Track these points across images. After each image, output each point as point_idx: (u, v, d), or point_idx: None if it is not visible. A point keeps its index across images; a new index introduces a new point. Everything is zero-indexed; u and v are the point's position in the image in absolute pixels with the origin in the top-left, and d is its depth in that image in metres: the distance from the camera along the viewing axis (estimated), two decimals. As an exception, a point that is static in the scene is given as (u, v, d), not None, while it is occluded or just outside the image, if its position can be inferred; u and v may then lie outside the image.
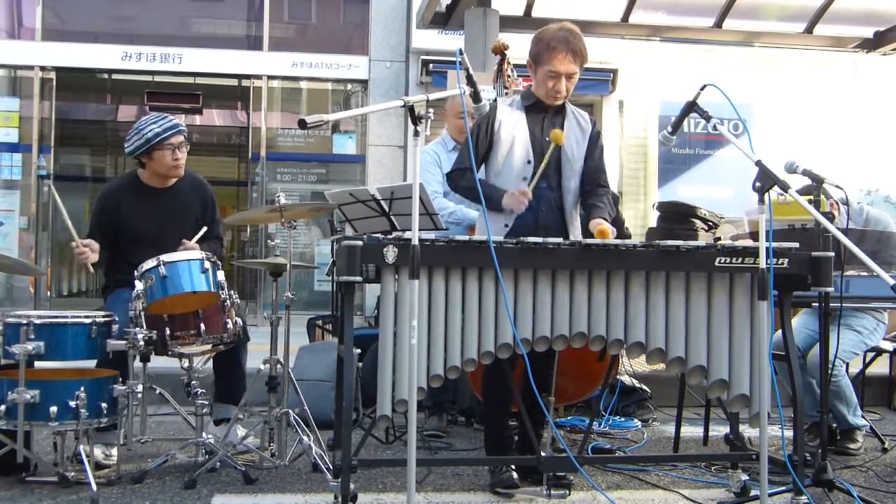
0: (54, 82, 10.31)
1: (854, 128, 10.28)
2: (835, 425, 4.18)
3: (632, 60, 10.14)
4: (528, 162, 3.43)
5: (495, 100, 3.61)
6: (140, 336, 3.36)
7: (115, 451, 3.60)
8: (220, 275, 3.67)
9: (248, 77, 10.58)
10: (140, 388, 3.44)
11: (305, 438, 3.61)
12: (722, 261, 3.07)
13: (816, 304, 3.60)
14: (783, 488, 3.20)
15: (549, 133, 3.39)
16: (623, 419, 4.85)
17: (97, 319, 3.39)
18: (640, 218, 10.30)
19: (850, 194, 3.87)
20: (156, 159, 3.91)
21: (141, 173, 4.03)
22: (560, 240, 3.04)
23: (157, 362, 3.69)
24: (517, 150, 3.43)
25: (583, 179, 3.54)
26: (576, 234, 3.49)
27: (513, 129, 3.44)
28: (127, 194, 4.01)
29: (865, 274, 3.80)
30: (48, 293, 10.18)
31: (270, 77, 10.53)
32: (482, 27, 6.89)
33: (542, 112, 3.49)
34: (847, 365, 4.19)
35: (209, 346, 3.70)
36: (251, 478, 3.43)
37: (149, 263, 3.53)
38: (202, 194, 4.16)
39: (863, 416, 4.26)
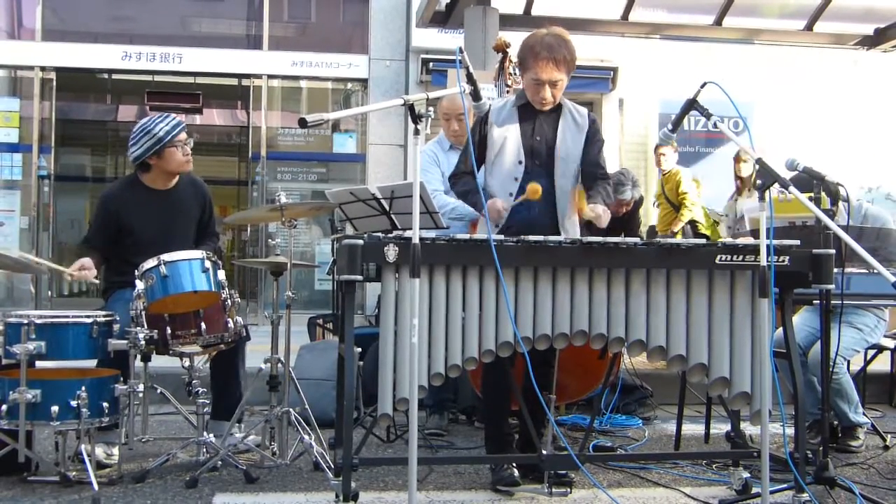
0: (54, 82, 10.30)
1: (855, 125, 10.27)
2: (836, 423, 4.18)
3: (632, 58, 10.13)
4: (520, 162, 3.43)
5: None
6: (141, 335, 3.36)
7: (116, 451, 3.60)
8: (221, 274, 3.67)
9: (248, 76, 10.57)
10: (141, 387, 3.44)
11: (306, 437, 3.61)
12: (723, 258, 3.07)
13: (817, 302, 3.60)
14: (785, 486, 3.20)
15: (539, 135, 3.43)
16: (624, 417, 4.85)
17: (98, 319, 3.39)
18: (640, 215, 10.29)
19: (851, 192, 3.87)
20: (166, 157, 3.90)
21: (143, 176, 3.99)
22: (561, 238, 3.05)
23: (158, 362, 3.69)
24: (508, 151, 3.43)
25: (584, 174, 3.54)
26: (573, 232, 3.50)
27: (504, 130, 3.44)
28: (128, 198, 3.98)
29: (865, 271, 3.80)
30: (49, 293, 10.18)
31: (270, 76, 10.53)
32: (482, 25, 6.90)
33: (535, 111, 3.48)
34: (848, 362, 4.19)
35: (210, 346, 3.69)
36: (252, 477, 3.44)
37: (149, 263, 3.53)
38: (200, 193, 4.16)
39: (864, 414, 4.26)
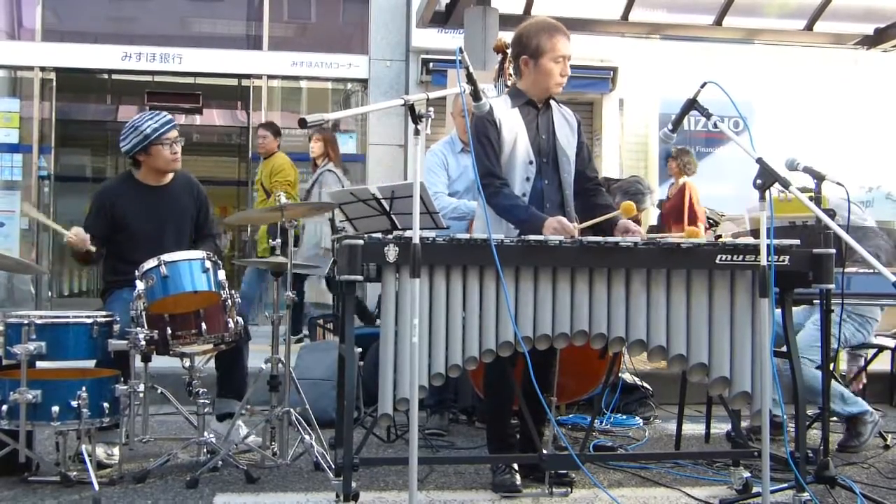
0: (54, 83, 10.29)
1: (855, 125, 10.26)
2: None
3: (632, 58, 10.12)
4: (530, 162, 3.43)
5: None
6: (141, 335, 3.37)
7: (117, 451, 3.60)
8: (221, 274, 3.67)
9: (248, 77, 10.57)
10: (142, 387, 3.44)
11: (307, 437, 3.61)
12: (723, 258, 3.07)
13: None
14: (785, 485, 3.20)
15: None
16: (625, 417, 4.86)
17: (98, 319, 3.40)
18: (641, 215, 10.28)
19: (852, 191, 3.86)
20: (154, 155, 3.94)
21: (136, 172, 4.04)
22: (561, 238, 3.04)
23: (159, 362, 3.70)
24: (519, 151, 3.42)
25: (577, 176, 3.55)
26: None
27: (514, 129, 3.43)
28: (122, 193, 4.02)
29: (861, 271, 3.80)
30: (49, 293, 10.17)
31: (270, 77, 10.52)
32: (482, 25, 6.90)
33: (534, 109, 3.49)
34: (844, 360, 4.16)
35: (210, 346, 3.70)
36: (253, 477, 3.44)
37: (150, 263, 3.53)
38: (195, 193, 4.17)
39: (859, 403, 4.20)
